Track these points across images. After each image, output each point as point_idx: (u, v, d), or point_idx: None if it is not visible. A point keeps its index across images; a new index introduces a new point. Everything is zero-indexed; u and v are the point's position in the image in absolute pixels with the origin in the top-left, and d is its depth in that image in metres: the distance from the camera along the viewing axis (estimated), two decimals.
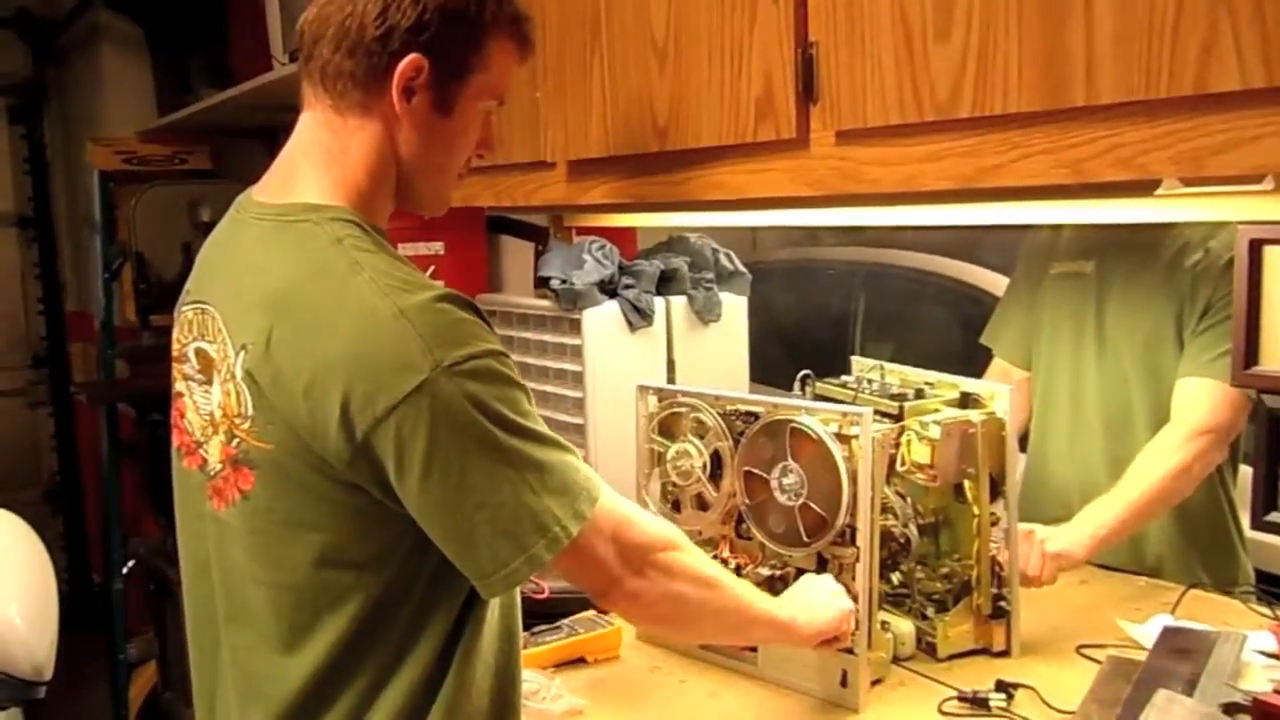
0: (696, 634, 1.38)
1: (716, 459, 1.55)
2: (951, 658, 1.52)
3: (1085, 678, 1.41)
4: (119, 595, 3.68)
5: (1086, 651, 1.52)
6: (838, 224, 3.28)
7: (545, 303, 2.02)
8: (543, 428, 1.03)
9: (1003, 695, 1.38)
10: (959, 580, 1.54)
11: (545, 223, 2.46)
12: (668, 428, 1.61)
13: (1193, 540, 1.84)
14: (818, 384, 1.70)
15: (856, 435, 1.40)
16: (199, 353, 1.11)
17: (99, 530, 4.27)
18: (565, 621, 1.59)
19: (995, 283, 3.03)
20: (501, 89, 1.15)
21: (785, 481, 1.46)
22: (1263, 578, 1.89)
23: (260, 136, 3.54)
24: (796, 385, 1.69)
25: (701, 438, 1.56)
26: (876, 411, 1.50)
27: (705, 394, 1.57)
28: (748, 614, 1.26)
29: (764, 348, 2.30)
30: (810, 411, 1.45)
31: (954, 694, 1.40)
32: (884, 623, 1.49)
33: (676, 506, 1.61)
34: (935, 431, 1.47)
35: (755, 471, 1.50)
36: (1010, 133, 1.10)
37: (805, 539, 1.44)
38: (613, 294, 1.98)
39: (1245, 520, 1.84)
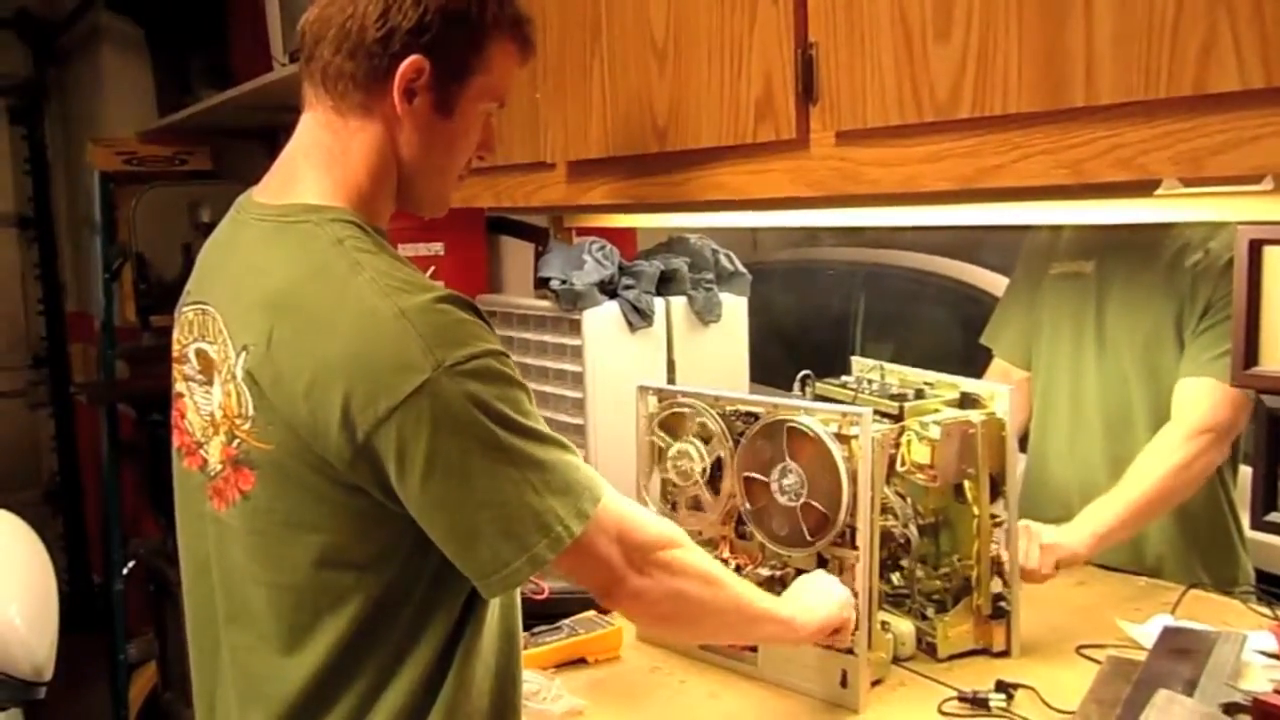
0: (700, 632, 1.38)
1: (716, 460, 1.55)
2: (951, 658, 1.52)
3: (1085, 678, 1.41)
4: (119, 596, 3.68)
5: (1086, 652, 1.52)
6: (838, 224, 3.28)
7: (545, 303, 2.02)
8: (544, 427, 1.04)
9: (1003, 695, 1.38)
10: (959, 580, 1.54)
11: (545, 223, 2.46)
12: (668, 428, 1.61)
13: (1193, 540, 1.84)
14: (818, 384, 1.70)
15: (856, 435, 1.40)
16: (199, 353, 1.11)
17: (99, 531, 4.27)
18: (565, 622, 1.60)
19: (995, 283, 3.03)
20: (502, 91, 1.15)
21: (785, 483, 1.46)
22: (1263, 578, 1.89)
23: (260, 137, 3.54)
24: (796, 386, 1.69)
25: (701, 438, 1.56)
26: (876, 412, 1.50)
27: (705, 394, 1.57)
28: (751, 611, 1.27)
29: (764, 348, 2.30)
30: (809, 411, 1.45)
31: (954, 694, 1.40)
32: (884, 623, 1.50)
33: (676, 507, 1.61)
34: (935, 432, 1.47)
35: (755, 476, 1.50)
36: (1010, 133, 1.10)
37: (809, 538, 1.44)
38: (613, 294, 1.98)
39: (1245, 520, 1.84)
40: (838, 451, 1.40)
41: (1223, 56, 0.91)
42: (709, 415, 1.55)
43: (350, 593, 1.03)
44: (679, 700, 1.47)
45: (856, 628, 1.38)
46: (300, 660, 1.05)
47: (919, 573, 1.56)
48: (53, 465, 4.90)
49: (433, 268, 2.26)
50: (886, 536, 1.51)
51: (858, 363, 1.76)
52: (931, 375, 1.64)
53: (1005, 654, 1.53)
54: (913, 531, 1.52)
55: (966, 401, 1.56)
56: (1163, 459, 1.70)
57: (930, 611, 1.54)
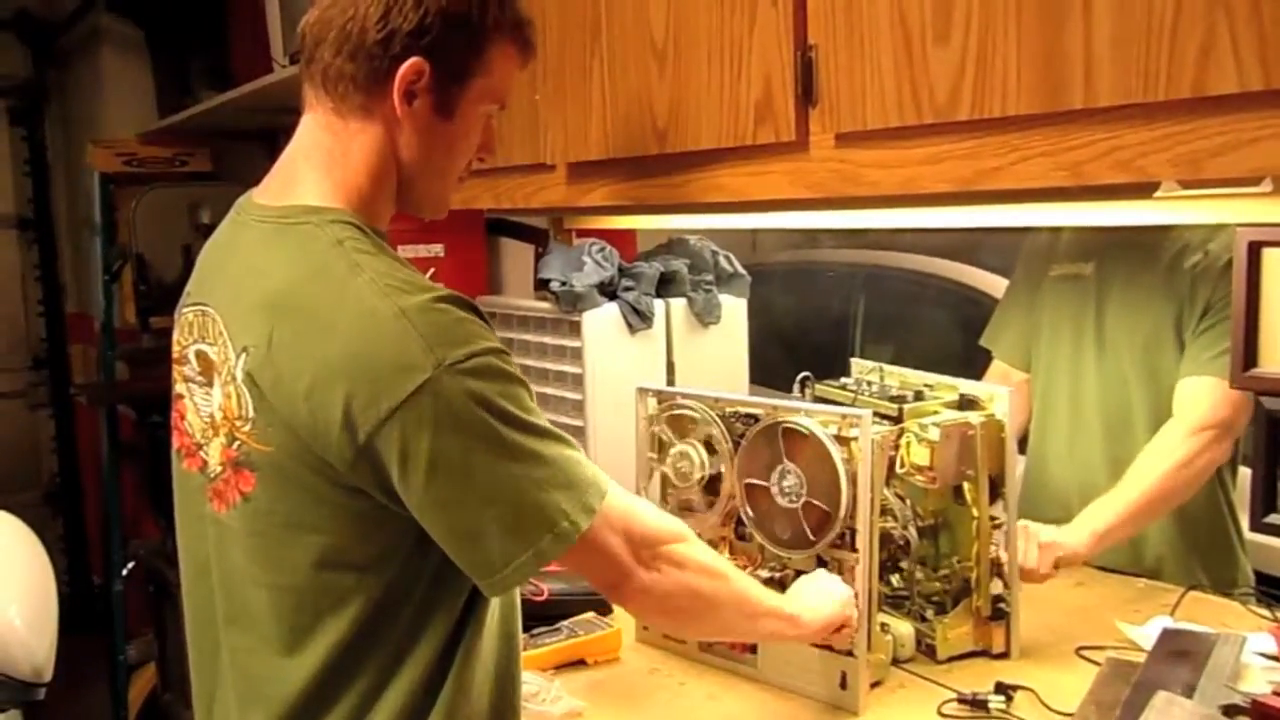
0: (705, 627, 1.35)
1: (715, 461, 1.55)
2: (951, 660, 1.52)
3: (1084, 680, 1.41)
4: (119, 597, 3.68)
5: (1086, 653, 1.52)
6: (837, 226, 3.29)
7: (545, 305, 2.03)
8: (546, 423, 1.04)
9: (1002, 697, 1.38)
10: (958, 582, 1.54)
11: (545, 225, 2.46)
12: (667, 430, 1.61)
13: (1192, 542, 1.85)
14: (817, 386, 1.70)
15: (856, 437, 1.40)
16: (199, 355, 1.11)
17: (99, 532, 4.27)
18: (565, 623, 1.60)
19: (995, 285, 3.03)
20: (502, 93, 1.15)
21: (785, 485, 1.46)
22: (1262, 579, 1.89)
23: (260, 139, 3.54)
24: (796, 387, 1.69)
25: (701, 440, 1.56)
26: (876, 413, 1.50)
27: (705, 396, 1.57)
28: (756, 607, 1.27)
29: (764, 350, 2.31)
30: (809, 413, 1.45)
31: (953, 696, 1.40)
32: (883, 625, 1.50)
33: (676, 509, 1.61)
34: (934, 433, 1.47)
35: (755, 482, 1.50)
36: (1009, 135, 1.11)
37: (812, 538, 1.44)
38: (612, 296, 1.98)
39: (1245, 522, 1.84)
40: (837, 453, 1.40)
41: (1221, 59, 0.92)
42: (708, 417, 1.55)
43: (350, 594, 1.04)
44: (678, 702, 1.47)
45: (857, 628, 1.38)
46: (300, 662, 1.05)
47: (918, 574, 1.56)
48: (53, 466, 4.90)
49: (432, 269, 2.27)
50: (886, 538, 1.51)
51: (857, 364, 1.77)
52: (931, 377, 1.65)
53: (1004, 656, 1.53)
54: (912, 533, 1.53)
55: (966, 403, 1.57)
56: (1164, 457, 1.70)
57: (930, 613, 1.54)
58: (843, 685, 1.41)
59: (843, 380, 1.71)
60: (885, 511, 1.50)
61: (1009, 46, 1.08)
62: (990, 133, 1.12)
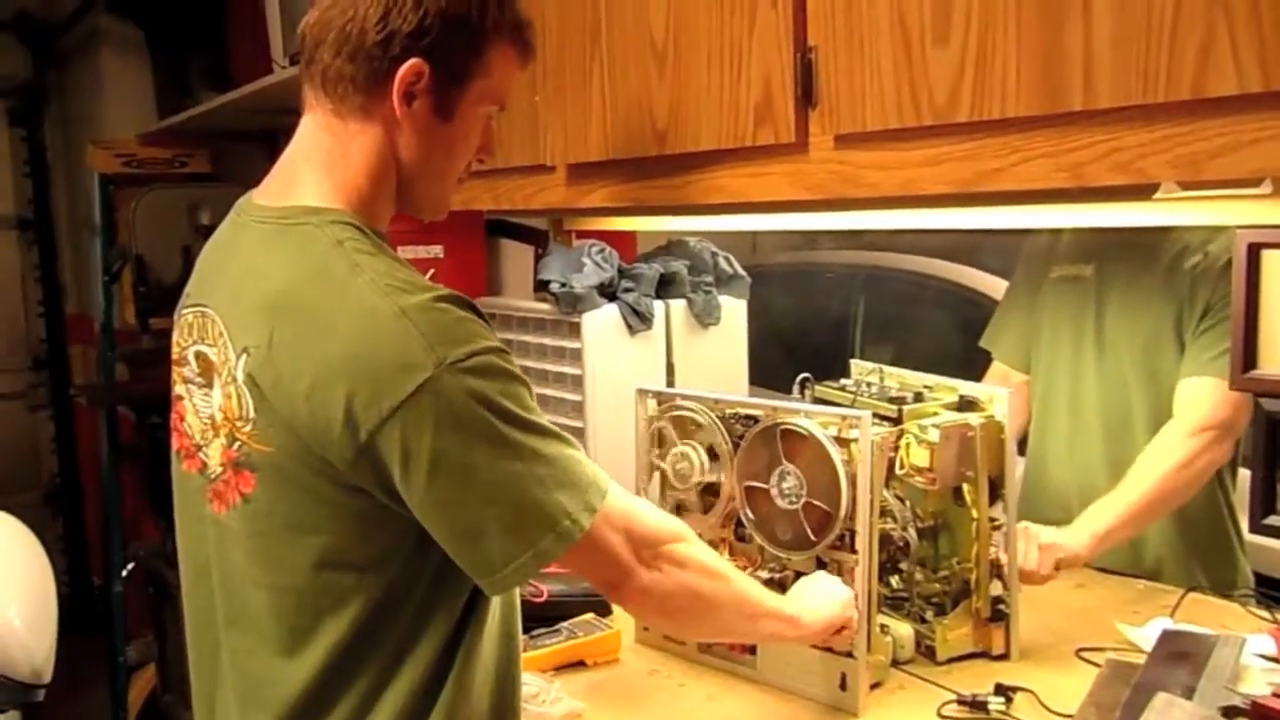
0: (706, 627, 1.35)
1: (715, 463, 1.55)
2: (950, 661, 1.52)
3: (1084, 681, 1.41)
4: (118, 598, 3.68)
5: (1085, 655, 1.52)
6: (837, 228, 3.28)
7: (545, 306, 2.03)
8: (547, 423, 1.04)
9: (1002, 699, 1.38)
10: (958, 583, 1.54)
11: (545, 226, 2.46)
12: (667, 431, 1.61)
13: (1192, 543, 1.85)
14: (817, 387, 1.70)
15: (855, 439, 1.40)
16: (199, 356, 1.11)
17: (99, 533, 4.27)
18: (564, 625, 1.60)
19: (994, 286, 3.03)
20: (502, 94, 1.15)
21: (785, 486, 1.46)
22: (1262, 581, 1.89)
23: (260, 140, 3.54)
24: (795, 388, 1.69)
25: (700, 441, 1.56)
26: (875, 415, 1.50)
27: (705, 397, 1.57)
28: (757, 608, 1.27)
29: (763, 351, 2.31)
30: (808, 414, 1.45)
31: (953, 697, 1.40)
32: (883, 626, 1.50)
33: (676, 510, 1.61)
34: (934, 435, 1.47)
35: (755, 485, 1.50)
36: (1009, 137, 1.11)
37: (813, 538, 1.44)
38: (612, 297, 1.98)
39: (1244, 523, 1.84)
40: (836, 454, 1.40)
41: (1221, 60, 0.92)
42: (708, 418, 1.55)
43: (350, 595, 1.04)
44: (678, 703, 1.47)
45: (857, 629, 1.38)
46: (300, 663, 1.05)
47: (918, 576, 1.56)
48: (52, 467, 4.90)
49: (432, 271, 2.27)
50: (885, 539, 1.51)
51: (857, 366, 1.77)
52: (931, 378, 1.65)
53: (1004, 657, 1.53)
54: (912, 534, 1.53)
55: (965, 405, 1.57)
56: (1164, 457, 1.70)
57: (929, 614, 1.54)
58: (842, 686, 1.41)
59: (842, 382, 1.71)
60: (885, 513, 1.50)
61: (1008, 48, 1.08)
62: (990, 134, 1.12)
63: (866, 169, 1.27)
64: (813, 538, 1.44)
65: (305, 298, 1.02)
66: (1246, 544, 1.87)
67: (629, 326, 1.97)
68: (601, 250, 2.02)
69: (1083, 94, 1.02)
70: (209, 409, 1.09)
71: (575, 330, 1.95)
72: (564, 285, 1.95)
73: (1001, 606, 1.53)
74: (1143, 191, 1.14)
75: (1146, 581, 1.80)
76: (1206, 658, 1.35)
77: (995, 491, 1.52)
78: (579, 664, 1.56)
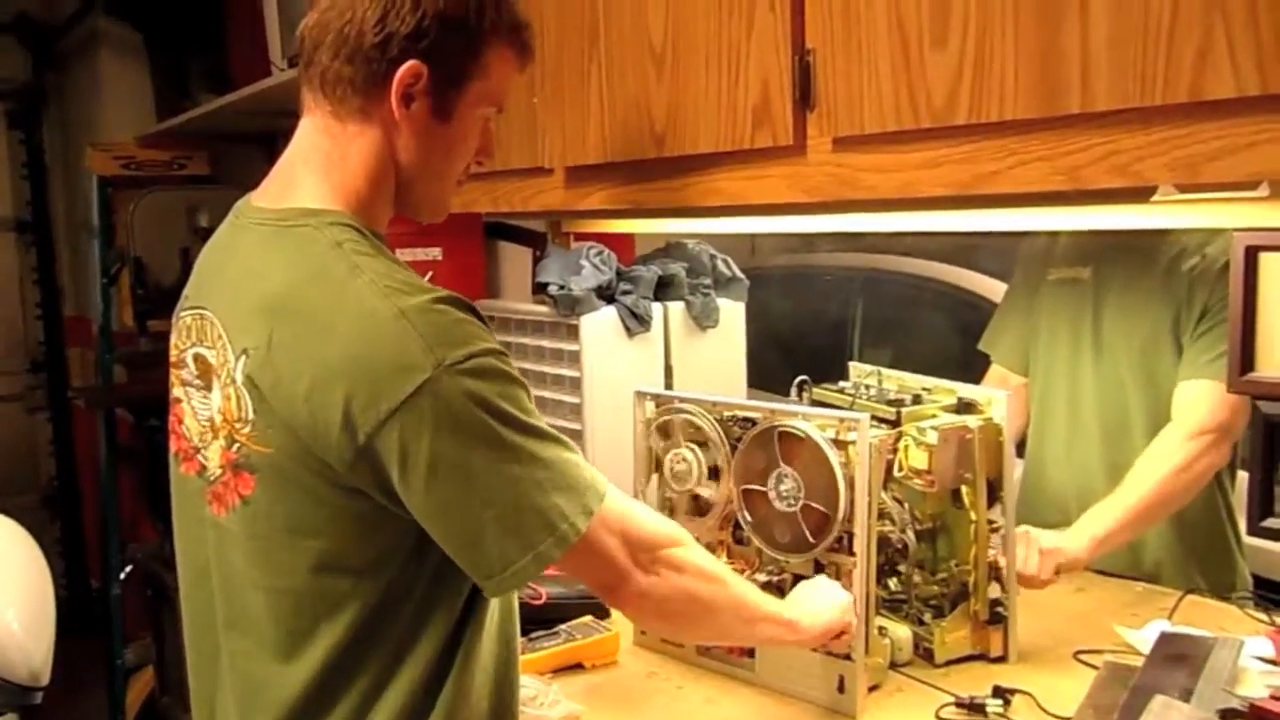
0: (703, 631, 1.36)
1: (713, 466, 1.55)
2: (949, 663, 1.52)
3: (1082, 684, 1.41)
4: (116, 601, 3.67)
5: (1083, 657, 1.52)
6: (835, 230, 3.29)
7: (543, 308, 2.03)
8: (545, 425, 1.04)
9: (1000, 701, 1.38)
10: (956, 586, 1.54)
11: (543, 228, 2.46)
12: (665, 434, 1.61)
13: (1190, 546, 1.85)
14: (815, 390, 1.70)
15: (854, 441, 1.40)
16: (198, 358, 1.11)
17: (97, 535, 4.27)
18: (563, 627, 1.59)
19: (993, 288, 3.04)
20: (500, 96, 1.15)
21: (782, 489, 1.46)
22: (1260, 583, 1.89)
23: (259, 142, 3.54)
24: (794, 391, 1.69)
25: (699, 444, 1.56)
26: (874, 417, 1.50)
27: (703, 400, 1.57)
28: (754, 612, 1.26)
29: (762, 353, 2.31)
30: (806, 417, 1.45)
31: (951, 700, 1.40)
32: (881, 628, 1.50)
33: (674, 513, 1.61)
34: (933, 437, 1.47)
35: (753, 488, 1.50)
36: (1007, 139, 1.11)
37: (811, 541, 1.44)
38: (610, 300, 1.98)
39: (1243, 526, 1.84)
40: (834, 457, 1.40)
41: (1218, 63, 0.92)
42: (706, 421, 1.55)
43: (349, 597, 1.03)
44: (676, 705, 1.47)
45: (856, 633, 1.38)
46: (299, 665, 1.05)
47: (916, 578, 1.56)
48: (50, 470, 4.89)
49: (431, 273, 2.27)
50: (884, 542, 1.51)
51: (855, 368, 1.77)
52: (929, 381, 1.65)
53: (1002, 659, 1.53)
54: (910, 537, 1.53)
55: (964, 407, 1.57)
56: (1162, 461, 1.71)
57: (927, 617, 1.54)
58: (840, 689, 1.41)
59: (841, 384, 1.71)
60: (883, 515, 1.50)
61: (1006, 51, 1.08)
62: (988, 137, 1.12)
63: (864, 171, 1.27)
64: (811, 540, 1.44)
65: (304, 299, 1.02)
66: (1245, 546, 1.88)
67: (627, 329, 1.97)
68: (600, 253, 2.02)
69: (1080, 97, 1.02)
70: (208, 411, 1.09)
71: (573, 332, 1.95)
72: (562, 288, 1.95)
73: (1000, 609, 1.53)
74: (1140, 194, 1.14)
75: (1145, 584, 1.80)
76: (1204, 660, 1.35)
77: (993, 494, 1.52)
78: (577, 666, 1.56)
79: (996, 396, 1.55)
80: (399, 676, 1.05)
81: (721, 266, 2.12)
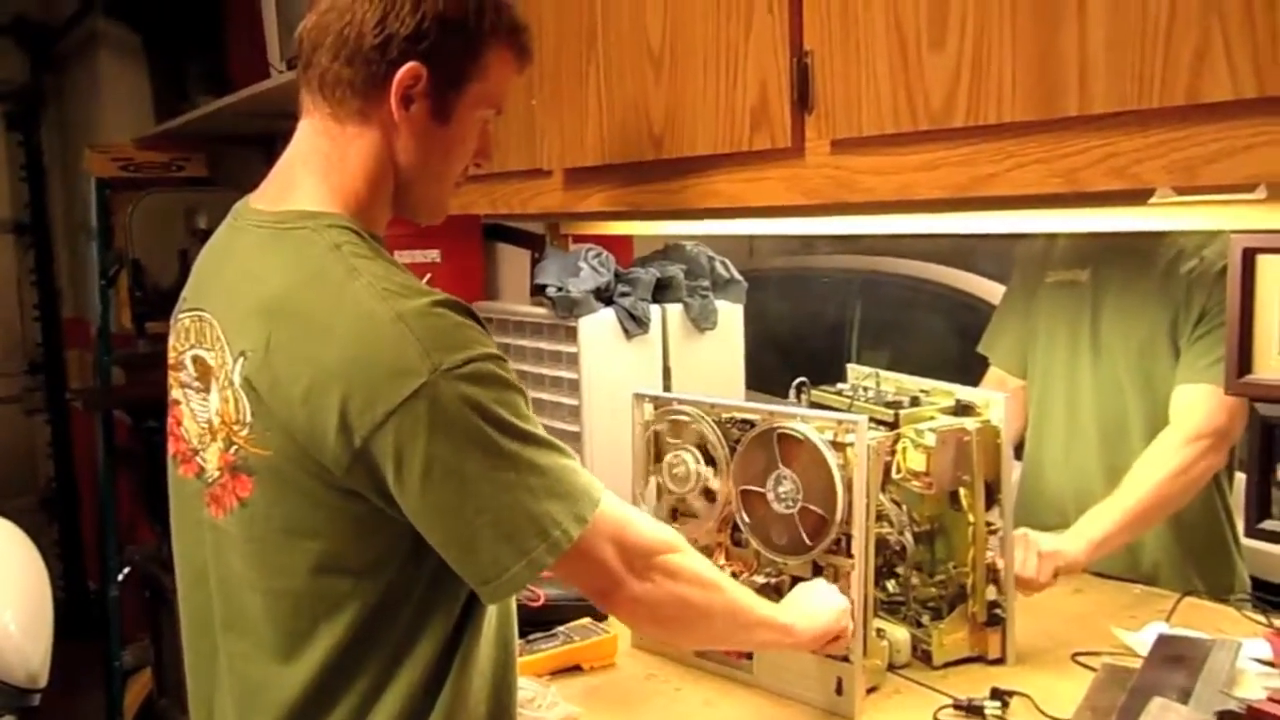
0: (698, 637, 1.36)
1: (712, 467, 1.55)
2: (947, 665, 1.52)
3: (1080, 686, 1.41)
4: (114, 603, 3.67)
5: (1082, 659, 1.52)
6: (833, 232, 3.29)
7: (541, 310, 2.03)
8: (542, 431, 1.04)
9: (998, 703, 1.38)
10: (954, 588, 1.54)
11: (541, 231, 2.46)
12: (663, 436, 1.61)
13: (1188, 548, 1.85)
14: (813, 392, 1.70)
15: (852, 443, 1.40)
16: (196, 360, 1.11)
17: (95, 537, 4.26)
18: (561, 629, 1.59)
19: (991, 290, 3.04)
20: (499, 98, 1.15)
21: (781, 490, 1.46)
22: (1258, 585, 1.90)
23: (257, 144, 3.54)
24: (792, 393, 1.69)
25: (697, 446, 1.56)
26: (872, 419, 1.50)
27: (701, 402, 1.57)
28: (749, 617, 1.27)
29: (760, 355, 2.31)
30: (805, 419, 1.45)
31: (949, 702, 1.40)
32: (879, 630, 1.50)
33: (672, 515, 1.61)
34: (931, 439, 1.48)
35: (751, 488, 1.50)
36: (1005, 142, 1.11)
37: (808, 543, 1.44)
38: (609, 302, 1.98)
39: (1241, 527, 1.84)
40: (832, 458, 1.40)
41: (1215, 65, 0.92)
42: (705, 423, 1.55)
43: (347, 599, 1.03)
44: (674, 708, 1.47)
45: (853, 637, 1.38)
46: (297, 667, 1.05)
47: (914, 580, 1.56)
48: (48, 472, 4.89)
49: (429, 275, 2.27)
50: (882, 544, 1.52)
51: (853, 370, 1.77)
52: (927, 383, 1.65)
53: (1000, 661, 1.53)
54: (908, 539, 1.53)
55: (962, 409, 1.57)
56: (1160, 465, 1.71)
57: (926, 619, 1.55)
58: (839, 691, 1.41)
59: (839, 386, 1.71)
60: (881, 517, 1.50)
61: (1004, 53, 1.08)
62: (986, 139, 1.12)
63: (862, 174, 1.27)
64: (808, 542, 1.44)
65: (302, 301, 1.02)
66: (1243, 548, 1.88)
67: (625, 331, 1.97)
68: (598, 255, 2.02)
69: (1078, 99, 1.02)
70: (206, 413, 1.09)
71: (572, 334, 1.95)
72: (560, 289, 1.95)
73: (998, 611, 1.53)
74: (1138, 196, 1.14)
75: (1143, 586, 1.80)
76: (1202, 662, 1.35)
77: (991, 496, 1.53)
78: (575, 668, 1.56)
79: (994, 399, 1.55)
80: (397, 678, 1.05)
81: (720, 268, 2.12)
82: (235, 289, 1.08)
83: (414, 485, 0.97)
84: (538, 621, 1.57)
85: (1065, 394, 1.93)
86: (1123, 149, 1.01)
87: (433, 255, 2.35)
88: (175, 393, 1.16)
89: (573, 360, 1.96)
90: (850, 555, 1.41)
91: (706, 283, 2.08)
